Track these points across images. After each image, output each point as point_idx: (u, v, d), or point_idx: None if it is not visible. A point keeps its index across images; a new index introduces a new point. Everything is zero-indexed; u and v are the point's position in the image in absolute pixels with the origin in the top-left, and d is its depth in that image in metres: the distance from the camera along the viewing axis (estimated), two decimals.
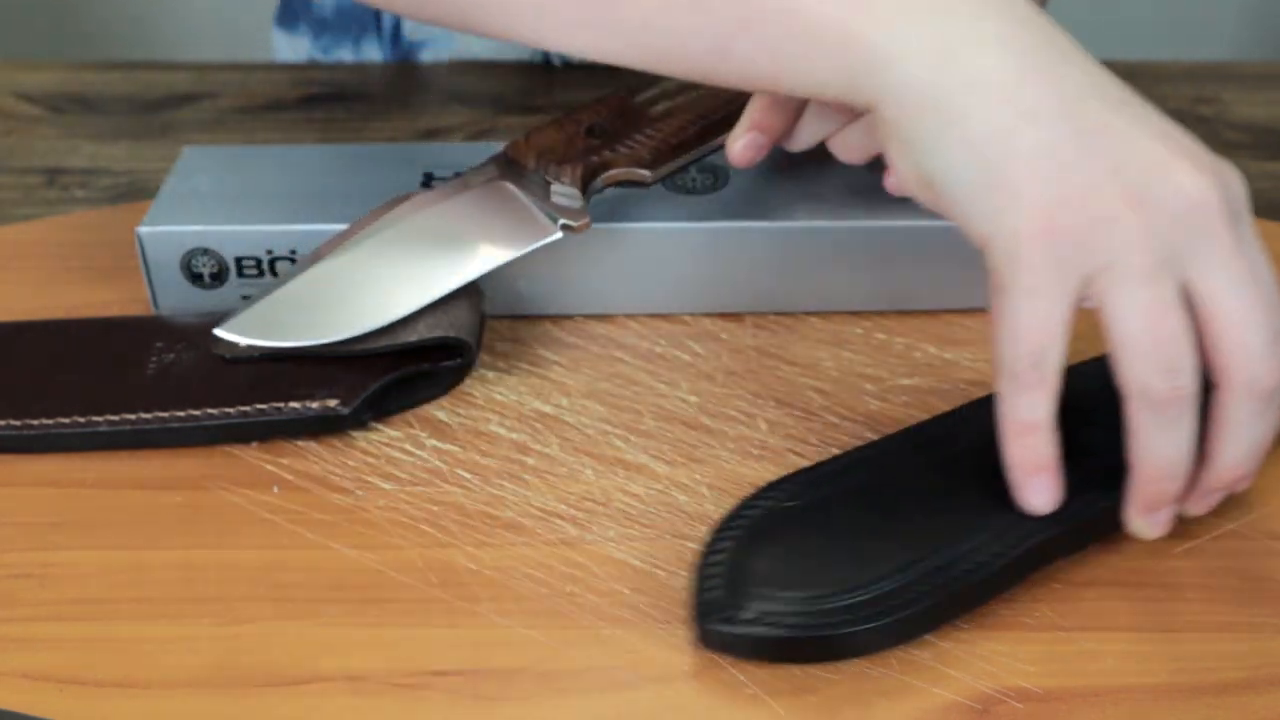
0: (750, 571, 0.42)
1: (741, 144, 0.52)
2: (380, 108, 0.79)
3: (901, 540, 0.43)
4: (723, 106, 0.54)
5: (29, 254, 0.63)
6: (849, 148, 0.52)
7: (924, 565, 0.42)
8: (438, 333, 0.51)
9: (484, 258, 0.51)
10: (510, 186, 0.53)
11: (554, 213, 0.52)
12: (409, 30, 0.84)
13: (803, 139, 0.53)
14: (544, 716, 0.41)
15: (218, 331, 0.50)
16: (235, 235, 0.55)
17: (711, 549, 0.44)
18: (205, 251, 0.55)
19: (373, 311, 0.50)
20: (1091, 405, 0.43)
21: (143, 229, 0.55)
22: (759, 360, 0.56)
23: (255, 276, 0.56)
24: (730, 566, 0.43)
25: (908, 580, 0.42)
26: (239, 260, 0.56)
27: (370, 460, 0.50)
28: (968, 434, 0.47)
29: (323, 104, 0.78)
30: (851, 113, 0.50)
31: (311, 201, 0.57)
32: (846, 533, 0.44)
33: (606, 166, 0.53)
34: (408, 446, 0.51)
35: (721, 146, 0.53)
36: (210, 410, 0.50)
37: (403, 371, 0.51)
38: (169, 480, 0.49)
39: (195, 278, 0.56)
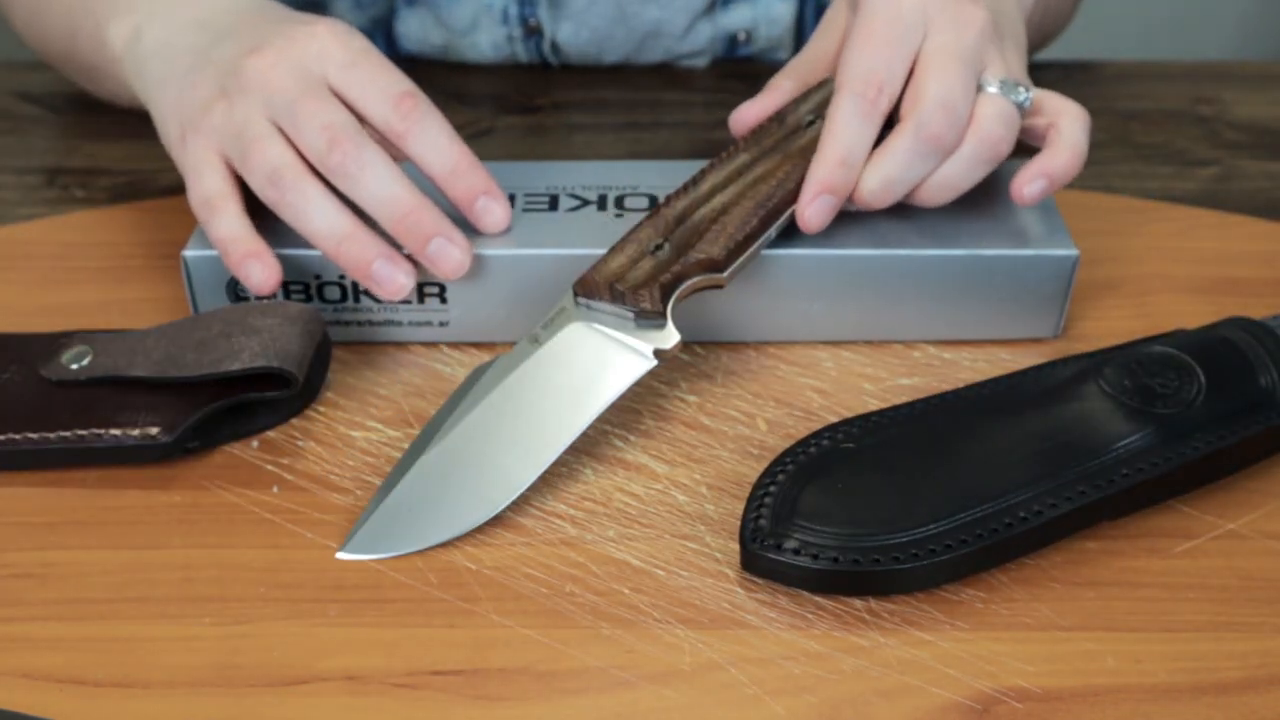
0: (798, 504, 0.45)
1: (813, 209, 0.52)
2: None
3: (949, 490, 0.45)
4: (778, 189, 0.52)
5: (29, 254, 0.63)
6: (942, 187, 0.53)
7: (967, 515, 0.44)
8: (260, 362, 0.49)
9: (586, 408, 0.48)
10: (589, 327, 0.50)
11: (641, 341, 0.49)
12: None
13: (874, 191, 0.52)
14: (544, 716, 0.41)
15: (341, 555, 0.46)
16: (284, 260, 0.53)
17: (766, 479, 0.46)
18: None
19: (493, 494, 0.47)
20: (1154, 384, 0.48)
21: (189, 253, 0.54)
22: (758, 360, 0.56)
23: (303, 301, 0.55)
24: (780, 497, 0.45)
25: (949, 527, 0.44)
26: (287, 285, 0.54)
27: (370, 460, 0.50)
28: (1027, 395, 0.49)
29: None
30: (938, 153, 0.52)
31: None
32: (897, 478, 0.46)
33: (680, 279, 0.50)
34: (407, 446, 0.51)
35: (787, 223, 0.53)
36: (31, 435, 0.49)
37: (227, 401, 0.50)
38: (169, 480, 0.49)
39: (240, 299, 0.55)
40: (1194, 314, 0.57)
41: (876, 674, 0.42)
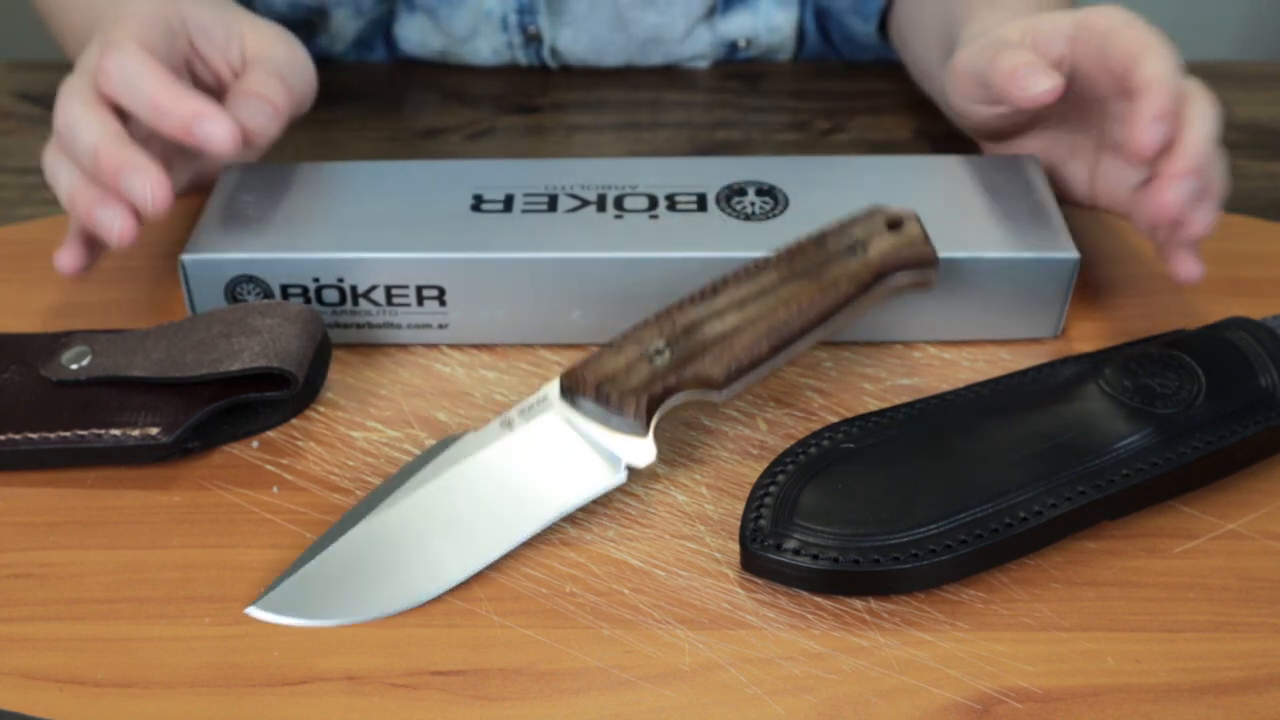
0: (798, 504, 0.44)
1: (1156, 131, 0.51)
2: (380, 108, 0.79)
3: (949, 490, 0.45)
4: (797, 317, 0.48)
5: (29, 254, 0.63)
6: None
7: (967, 515, 0.44)
8: (260, 363, 0.49)
9: (540, 509, 0.46)
10: (566, 424, 0.47)
11: (616, 451, 0.46)
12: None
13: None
14: (544, 716, 0.41)
15: (250, 611, 0.44)
16: (282, 263, 0.54)
17: (765, 479, 0.46)
18: (251, 279, 0.54)
19: (421, 582, 0.44)
20: (1154, 384, 0.48)
21: (186, 256, 0.54)
22: None
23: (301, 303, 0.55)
24: (780, 498, 0.45)
25: (949, 527, 0.44)
26: (285, 288, 0.54)
27: (370, 460, 0.50)
28: (1027, 395, 0.49)
29: (322, 104, 0.78)
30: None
31: (360, 226, 0.55)
32: (897, 477, 0.46)
33: (673, 391, 0.47)
34: (407, 447, 0.51)
35: (798, 352, 0.50)
36: (31, 435, 0.49)
37: (227, 401, 0.50)
38: (169, 480, 0.49)
39: (238, 301, 0.55)
40: (1194, 314, 0.57)
41: (876, 674, 0.42)
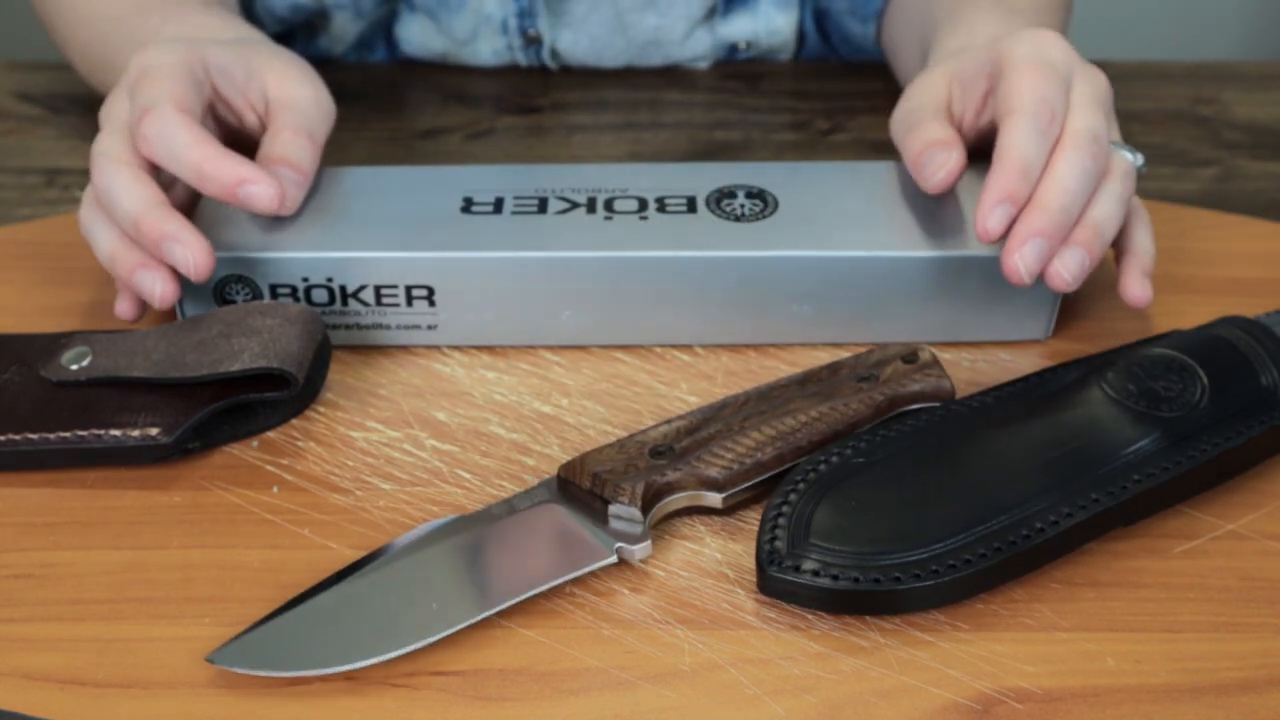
0: (813, 523, 0.44)
1: (994, 218, 0.50)
2: (380, 108, 0.79)
3: (964, 502, 0.44)
4: (804, 427, 0.48)
5: (29, 254, 0.63)
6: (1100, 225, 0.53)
7: (982, 528, 0.44)
8: (260, 363, 0.49)
9: (521, 583, 0.44)
10: (560, 509, 0.46)
11: (609, 536, 0.45)
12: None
13: (1063, 207, 0.50)
14: (544, 716, 0.41)
15: (209, 658, 0.42)
16: (271, 263, 0.54)
17: (778, 498, 0.45)
18: (240, 279, 0.54)
19: (383, 638, 0.42)
20: (1158, 386, 0.48)
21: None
22: (758, 360, 0.56)
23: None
24: (794, 517, 0.44)
25: (965, 542, 0.43)
26: (274, 288, 0.54)
27: (370, 460, 0.50)
28: (1032, 402, 0.49)
29: None
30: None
31: (349, 226, 0.55)
32: (910, 491, 0.45)
33: (672, 488, 0.46)
34: (407, 447, 0.51)
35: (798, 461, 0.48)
36: (31, 435, 0.49)
37: (227, 402, 0.50)
38: (169, 480, 0.49)
39: (227, 304, 0.55)
40: (1194, 314, 0.57)
41: (877, 674, 0.42)
